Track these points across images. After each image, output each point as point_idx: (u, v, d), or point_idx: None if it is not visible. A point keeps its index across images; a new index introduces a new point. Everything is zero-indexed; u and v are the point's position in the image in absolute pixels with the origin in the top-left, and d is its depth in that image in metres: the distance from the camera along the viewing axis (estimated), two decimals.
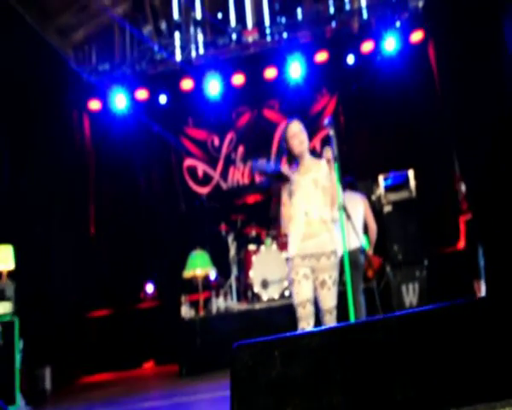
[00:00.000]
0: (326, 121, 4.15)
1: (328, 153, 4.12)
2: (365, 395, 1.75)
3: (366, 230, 6.34)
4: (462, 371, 1.73)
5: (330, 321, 4.04)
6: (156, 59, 10.09)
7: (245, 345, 1.89)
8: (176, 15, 10.53)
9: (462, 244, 8.46)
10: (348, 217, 5.33)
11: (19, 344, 6.19)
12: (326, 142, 4.40)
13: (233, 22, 10.52)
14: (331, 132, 4.12)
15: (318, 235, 4.14)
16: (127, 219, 10.31)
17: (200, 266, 8.23)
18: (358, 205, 6.18)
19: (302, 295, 4.04)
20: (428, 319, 1.79)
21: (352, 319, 3.92)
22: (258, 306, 7.86)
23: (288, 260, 4.20)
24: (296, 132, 4.28)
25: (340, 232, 4.18)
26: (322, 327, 3.58)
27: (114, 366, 9.27)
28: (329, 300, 4.08)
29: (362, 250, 5.94)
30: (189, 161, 10.69)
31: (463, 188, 8.13)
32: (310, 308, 4.03)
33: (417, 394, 1.72)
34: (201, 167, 10.66)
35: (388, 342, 1.77)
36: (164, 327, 9.05)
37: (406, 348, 1.75)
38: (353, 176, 6.86)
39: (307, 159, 4.32)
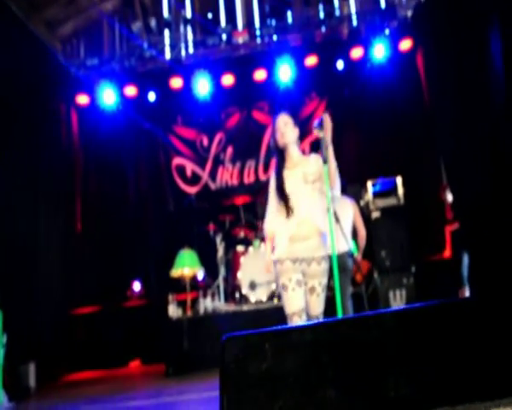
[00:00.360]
0: (315, 123, 4.09)
1: (320, 133, 3.96)
2: (357, 391, 1.78)
3: (355, 234, 6.37)
4: (458, 369, 1.76)
5: None
6: (145, 56, 10.11)
7: (235, 337, 1.91)
8: (166, 13, 10.55)
9: (447, 253, 8.57)
10: (337, 220, 5.36)
11: (2, 339, 6.16)
12: (315, 145, 4.38)
13: (223, 23, 10.56)
14: (320, 135, 4.03)
15: (309, 238, 3.98)
16: (115, 217, 10.30)
17: (188, 265, 8.25)
18: (348, 209, 6.21)
19: (298, 304, 3.85)
20: (422, 315, 1.82)
21: None
22: (245, 307, 7.89)
23: (275, 262, 3.98)
24: (279, 126, 4.21)
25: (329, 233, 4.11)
26: (315, 321, 3.56)
27: (100, 364, 9.25)
28: (317, 306, 3.98)
29: (350, 254, 5.96)
30: (177, 160, 10.70)
31: (450, 197, 8.23)
32: (304, 317, 3.87)
33: (411, 391, 1.75)
34: (190, 167, 10.68)
35: (381, 339, 1.80)
36: (151, 326, 9.05)
37: (400, 345, 1.78)
38: (343, 180, 6.91)
39: (294, 152, 4.22)
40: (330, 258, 4.09)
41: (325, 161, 4.00)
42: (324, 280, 4.02)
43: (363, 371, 1.74)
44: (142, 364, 9.28)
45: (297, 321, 3.83)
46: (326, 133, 3.97)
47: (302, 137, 9.97)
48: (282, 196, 4.05)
